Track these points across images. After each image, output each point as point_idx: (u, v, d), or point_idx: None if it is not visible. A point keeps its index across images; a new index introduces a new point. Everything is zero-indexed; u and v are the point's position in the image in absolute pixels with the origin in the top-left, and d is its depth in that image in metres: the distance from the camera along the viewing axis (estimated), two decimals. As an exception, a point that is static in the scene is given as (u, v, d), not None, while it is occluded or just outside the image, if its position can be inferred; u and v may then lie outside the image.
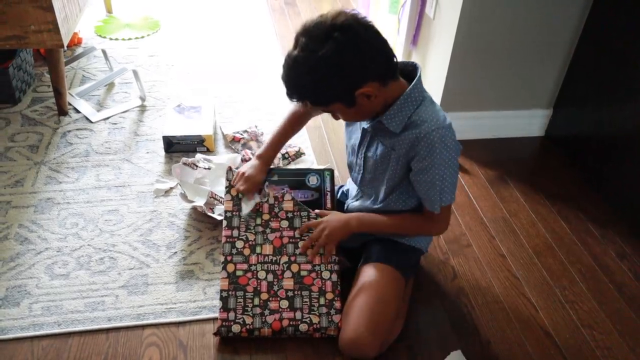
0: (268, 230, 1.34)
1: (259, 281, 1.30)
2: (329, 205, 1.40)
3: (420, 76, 1.20)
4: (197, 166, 1.69)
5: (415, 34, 2.11)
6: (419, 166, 1.20)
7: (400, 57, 2.22)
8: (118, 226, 1.58)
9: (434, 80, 2.00)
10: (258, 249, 1.33)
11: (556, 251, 1.61)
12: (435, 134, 1.16)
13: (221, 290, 1.29)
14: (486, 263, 1.56)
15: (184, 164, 1.68)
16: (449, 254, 1.57)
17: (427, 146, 1.17)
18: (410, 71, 1.22)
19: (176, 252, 1.51)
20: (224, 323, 1.27)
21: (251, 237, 1.34)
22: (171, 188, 1.72)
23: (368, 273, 1.31)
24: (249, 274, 1.31)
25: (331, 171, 1.44)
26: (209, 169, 1.69)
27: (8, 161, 1.80)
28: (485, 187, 1.84)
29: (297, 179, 1.42)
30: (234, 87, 2.28)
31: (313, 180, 1.42)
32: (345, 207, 1.48)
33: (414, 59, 2.17)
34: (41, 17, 1.75)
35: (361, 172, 1.35)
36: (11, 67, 1.99)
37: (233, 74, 2.37)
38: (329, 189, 1.42)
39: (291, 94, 1.16)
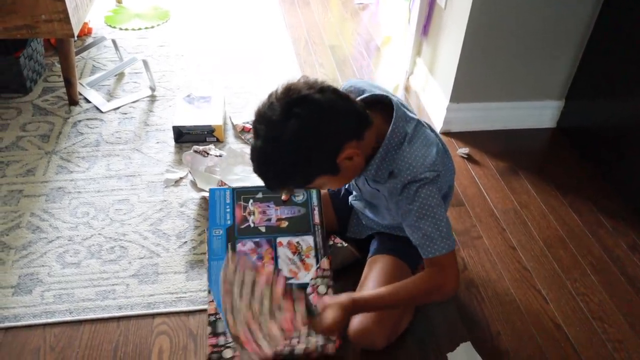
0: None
1: None
2: (316, 220, 1.37)
3: (397, 110, 1.10)
4: (208, 154, 1.69)
5: (426, 23, 2.09)
6: (400, 211, 1.14)
7: (410, 47, 2.21)
8: (128, 215, 1.59)
9: (444, 71, 1.98)
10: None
11: (567, 243, 1.60)
12: (410, 185, 1.08)
13: (209, 315, 1.24)
14: (496, 255, 1.55)
15: (195, 151, 1.69)
16: (459, 246, 1.57)
17: (402, 195, 1.10)
18: (387, 102, 1.13)
19: (186, 242, 1.52)
20: (214, 349, 1.20)
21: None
22: (181, 178, 1.72)
23: (374, 265, 1.31)
24: None
25: None
26: (220, 156, 1.69)
27: (20, 150, 1.81)
28: (495, 179, 1.83)
29: (282, 199, 1.40)
30: (244, 78, 2.27)
31: (299, 197, 1.40)
32: (349, 203, 1.47)
33: (425, 49, 2.16)
34: (52, 6, 1.75)
35: (359, 193, 1.34)
36: (22, 57, 1.99)
37: (243, 64, 2.37)
38: (315, 204, 1.39)
39: (271, 186, 1.08)
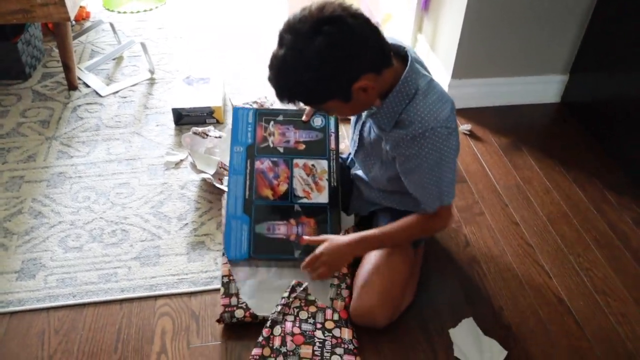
0: None
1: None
2: (332, 145, 1.42)
3: (411, 63, 1.10)
4: (207, 135, 1.68)
5: (427, -2, 2.05)
6: (405, 167, 1.14)
7: (411, 22, 2.17)
8: (129, 199, 1.59)
9: (446, 46, 1.95)
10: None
11: (571, 218, 1.59)
12: (421, 138, 1.08)
13: (222, 276, 1.29)
14: (499, 231, 1.54)
15: (195, 133, 1.68)
16: (461, 222, 1.56)
17: (411, 149, 1.10)
18: (403, 55, 1.13)
19: (187, 224, 1.52)
20: (226, 309, 1.25)
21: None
22: (181, 160, 1.72)
23: None
24: None
25: None
26: (219, 137, 1.68)
27: (20, 136, 1.81)
28: (498, 155, 1.81)
29: (302, 120, 1.45)
30: (243, 59, 2.25)
31: (318, 122, 1.44)
32: (351, 175, 1.47)
33: (426, 24, 2.12)
34: (46, -11, 1.73)
35: (356, 147, 1.33)
36: (20, 42, 1.98)
37: (242, 45, 2.35)
38: (333, 131, 1.44)
39: (282, 95, 1.07)
